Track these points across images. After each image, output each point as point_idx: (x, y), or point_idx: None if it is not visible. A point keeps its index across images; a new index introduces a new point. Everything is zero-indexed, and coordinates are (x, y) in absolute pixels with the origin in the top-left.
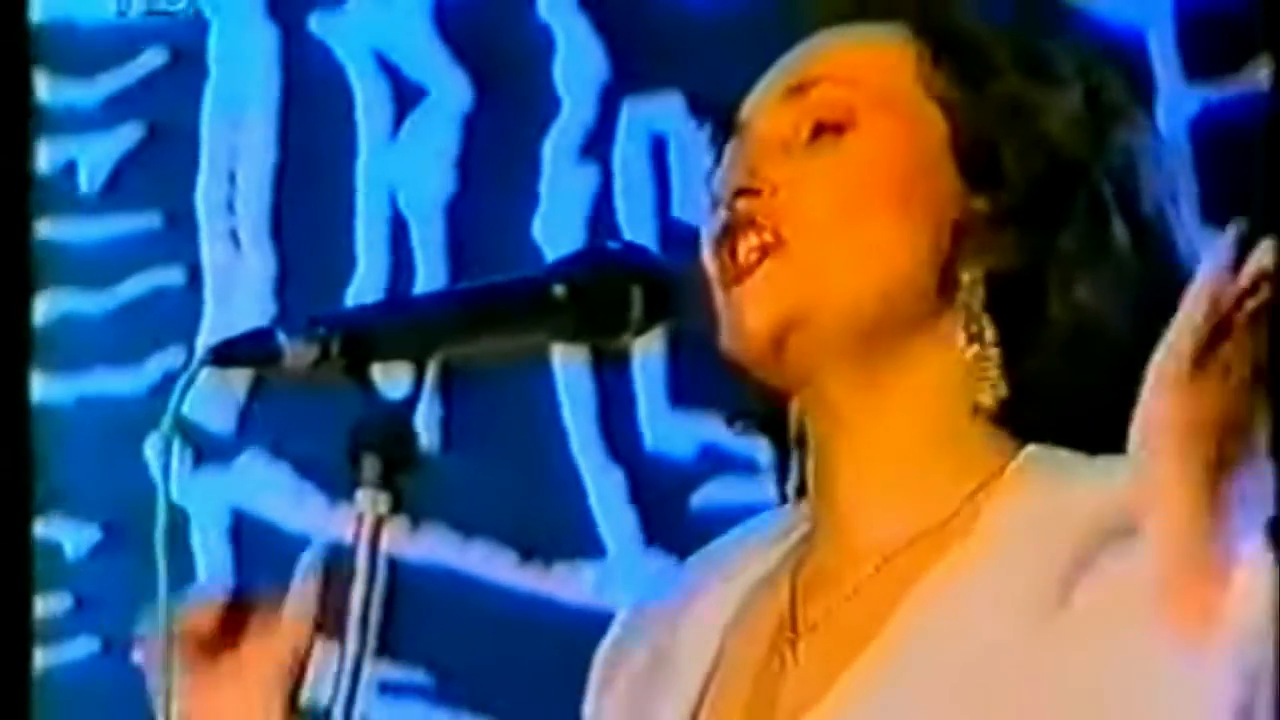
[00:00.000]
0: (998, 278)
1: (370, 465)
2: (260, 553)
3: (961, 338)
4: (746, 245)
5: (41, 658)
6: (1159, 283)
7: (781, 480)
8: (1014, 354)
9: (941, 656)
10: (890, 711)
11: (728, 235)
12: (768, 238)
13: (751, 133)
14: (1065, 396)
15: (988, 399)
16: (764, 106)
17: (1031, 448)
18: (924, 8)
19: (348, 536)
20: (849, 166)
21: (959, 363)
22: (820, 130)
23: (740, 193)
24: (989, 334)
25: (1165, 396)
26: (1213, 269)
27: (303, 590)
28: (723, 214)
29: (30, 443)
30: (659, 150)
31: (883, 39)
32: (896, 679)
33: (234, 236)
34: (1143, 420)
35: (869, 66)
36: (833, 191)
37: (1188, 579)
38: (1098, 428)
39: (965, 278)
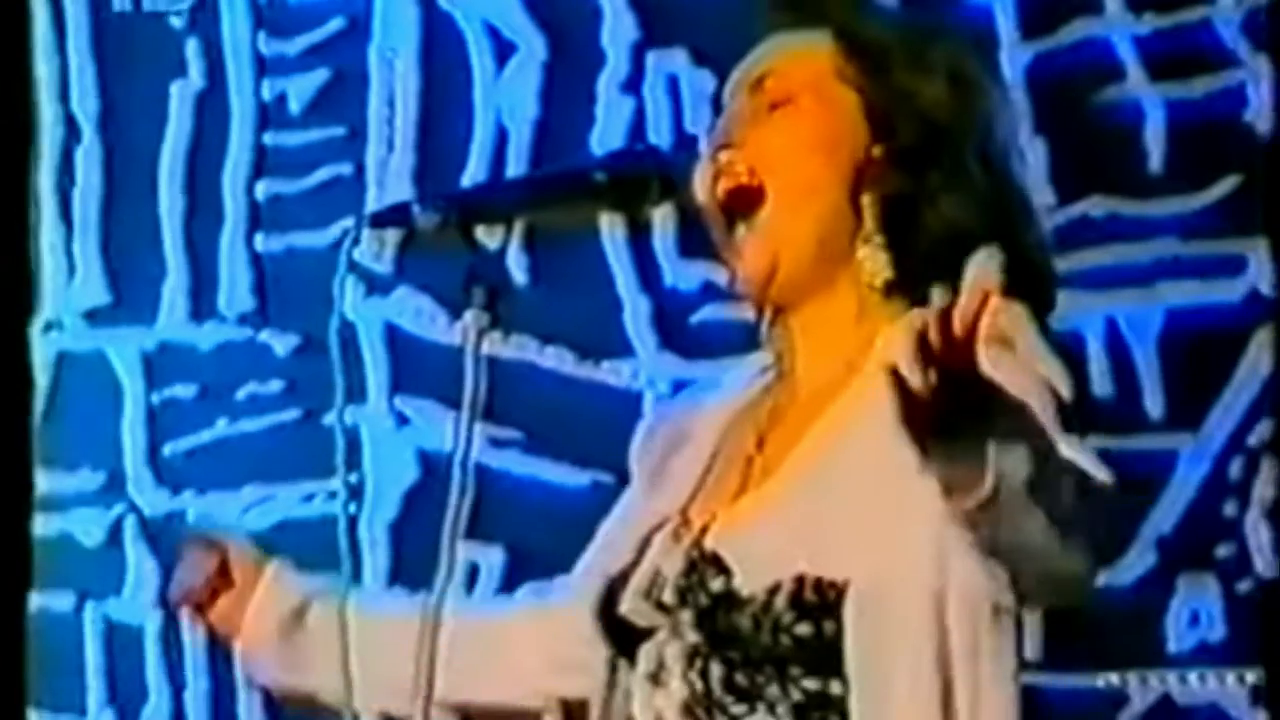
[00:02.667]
0: (888, 200)
1: (476, 294)
2: (405, 353)
3: (860, 241)
4: (725, 184)
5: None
6: (1003, 197)
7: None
8: (900, 251)
9: (838, 453)
10: (804, 489)
11: (715, 180)
12: (743, 177)
13: (729, 111)
14: (940, 277)
15: (878, 281)
16: (736, 93)
17: (914, 310)
18: (840, 22)
19: (462, 343)
20: (794, 124)
21: (861, 254)
22: (774, 106)
23: (721, 147)
24: (877, 238)
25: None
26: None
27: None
28: (710, 165)
29: (263, 282)
30: (673, 86)
31: (812, 44)
32: (810, 468)
33: (390, 143)
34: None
35: (802, 63)
36: (785, 139)
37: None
38: None
39: (865, 200)
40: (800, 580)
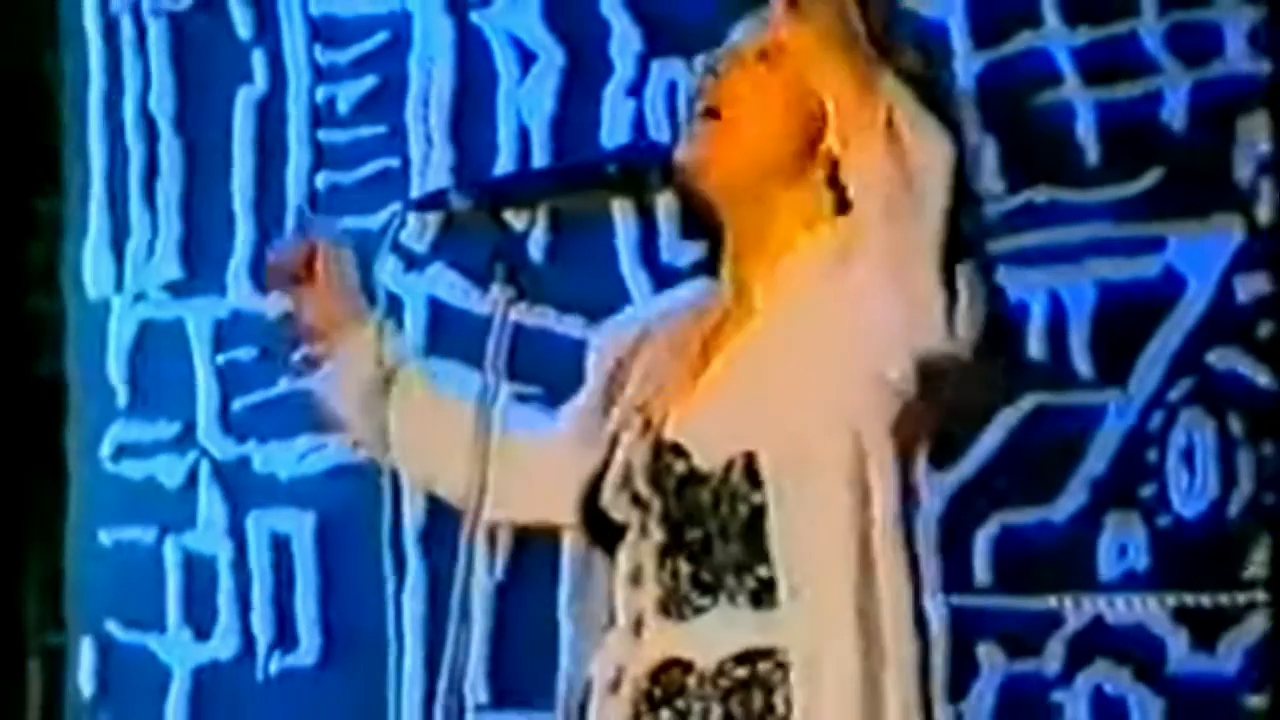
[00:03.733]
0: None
1: (502, 269)
2: (443, 322)
3: (819, 173)
4: (695, 121)
5: None
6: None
7: (716, 263)
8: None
9: (766, 336)
10: (742, 371)
11: (692, 128)
12: (710, 114)
13: (717, 76)
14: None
15: (818, 209)
16: (726, 62)
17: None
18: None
19: (490, 311)
20: (763, 79)
21: (810, 187)
22: (763, 56)
23: (706, 111)
24: (826, 189)
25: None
26: None
27: (339, 251)
28: (692, 124)
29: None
30: (672, 90)
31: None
32: (745, 354)
33: (428, 139)
34: None
35: (787, 35)
36: (752, 90)
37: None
38: None
39: (822, 149)
40: (750, 455)
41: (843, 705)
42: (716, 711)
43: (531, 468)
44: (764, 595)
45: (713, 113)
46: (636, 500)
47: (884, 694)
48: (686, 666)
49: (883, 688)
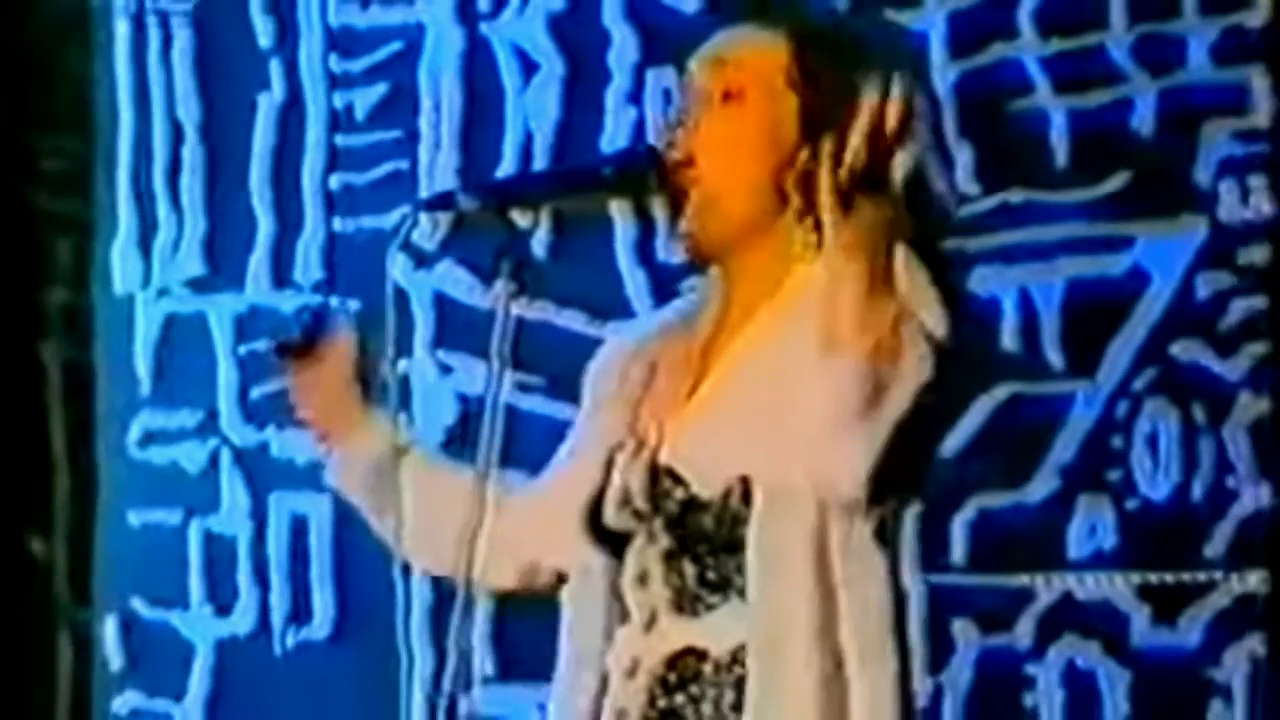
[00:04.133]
0: (808, 186)
1: (507, 266)
2: (447, 315)
3: (790, 215)
4: (673, 159)
5: None
6: (920, 179)
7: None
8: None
9: (755, 363)
10: (731, 397)
11: (670, 144)
12: (686, 163)
13: (693, 83)
14: None
15: (802, 250)
16: (701, 66)
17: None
18: (793, 22)
19: (494, 306)
20: (739, 127)
21: (786, 229)
22: (727, 96)
23: (679, 124)
24: (802, 218)
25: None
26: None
27: (346, 335)
28: (669, 132)
29: (331, 257)
30: (667, 97)
31: (771, 41)
32: (734, 379)
33: (438, 143)
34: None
35: (759, 58)
36: (729, 131)
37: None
38: None
39: (792, 194)
40: (745, 479)
41: (800, 704)
42: (729, 696)
43: (531, 509)
44: None
45: (689, 162)
46: (638, 515)
47: (849, 705)
48: (701, 655)
49: (847, 704)
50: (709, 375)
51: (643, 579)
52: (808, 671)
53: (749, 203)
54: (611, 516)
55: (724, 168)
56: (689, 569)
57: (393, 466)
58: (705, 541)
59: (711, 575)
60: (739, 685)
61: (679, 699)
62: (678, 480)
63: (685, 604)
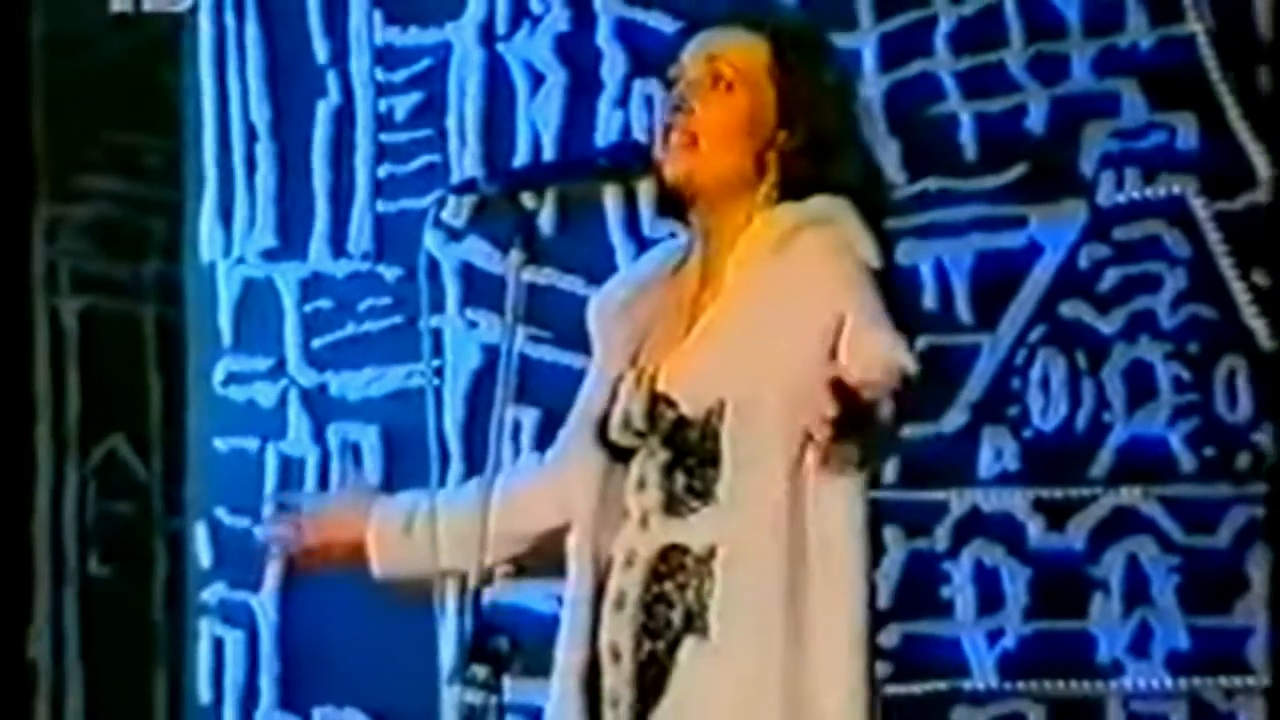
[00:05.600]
0: (785, 161)
1: (519, 239)
2: (474, 279)
3: (764, 184)
4: (675, 139)
5: None
6: (867, 163)
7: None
8: (788, 188)
9: (736, 306)
10: (717, 335)
11: (666, 131)
12: (686, 139)
13: (685, 76)
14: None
15: (764, 200)
16: (694, 61)
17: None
18: (772, 24)
19: (509, 272)
20: (728, 110)
21: (759, 199)
22: (717, 83)
23: (676, 108)
24: (775, 189)
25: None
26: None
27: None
28: (667, 119)
29: (380, 232)
30: (649, 102)
31: (752, 40)
32: (721, 320)
33: (463, 140)
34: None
35: (746, 56)
36: (720, 120)
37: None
38: None
39: (770, 162)
40: (723, 404)
41: (763, 595)
42: (707, 585)
43: (555, 474)
44: None
45: (694, 139)
46: (639, 434)
47: (806, 591)
48: (684, 550)
49: (805, 588)
50: (699, 319)
51: (641, 485)
52: (774, 551)
53: (734, 161)
54: (616, 434)
55: (717, 137)
56: (679, 479)
57: (406, 542)
58: (692, 454)
59: (697, 485)
60: (714, 576)
61: (668, 586)
62: (671, 404)
63: (673, 507)
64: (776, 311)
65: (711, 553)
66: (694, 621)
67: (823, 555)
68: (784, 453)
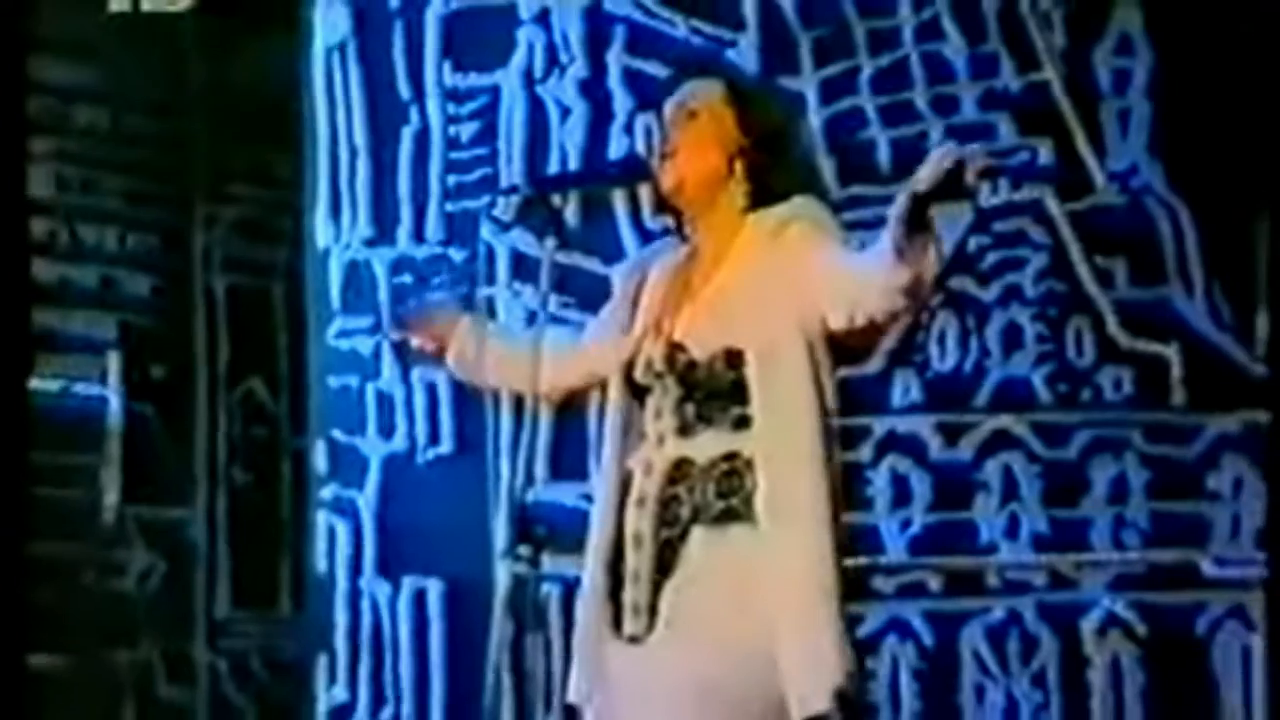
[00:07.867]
0: (753, 165)
1: (551, 230)
2: (519, 260)
3: (734, 182)
4: (662, 160)
5: None
6: (809, 168)
7: (679, 229)
8: (757, 188)
9: (732, 277)
10: (720, 299)
11: (660, 158)
12: (669, 154)
13: (667, 119)
14: (770, 203)
15: (741, 201)
16: (672, 108)
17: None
18: (730, 81)
19: (541, 255)
20: (695, 129)
21: (733, 191)
22: (687, 116)
23: (663, 140)
24: (747, 183)
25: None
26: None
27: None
28: (659, 149)
29: (450, 225)
30: (649, 132)
31: (711, 82)
32: (719, 288)
33: (509, 158)
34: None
35: (705, 92)
36: (689, 138)
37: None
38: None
39: (736, 166)
40: (727, 349)
41: (799, 480)
42: (711, 489)
43: (581, 348)
44: (739, 424)
45: (672, 153)
46: (658, 375)
47: (820, 482)
48: (691, 463)
49: (819, 480)
50: (704, 289)
51: (658, 414)
52: (806, 460)
53: (707, 171)
54: (640, 375)
55: (692, 154)
56: (689, 409)
57: (479, 353)
58: (699, 389)
59: (704, 413)
60: (716, 480)
61: (679, 489)
62: (684, 350)
63: (684, 430)
64: (776, 278)
65: (714, 465)
66: (699, 515)
67: (816, 460)
68: (801, 388)
